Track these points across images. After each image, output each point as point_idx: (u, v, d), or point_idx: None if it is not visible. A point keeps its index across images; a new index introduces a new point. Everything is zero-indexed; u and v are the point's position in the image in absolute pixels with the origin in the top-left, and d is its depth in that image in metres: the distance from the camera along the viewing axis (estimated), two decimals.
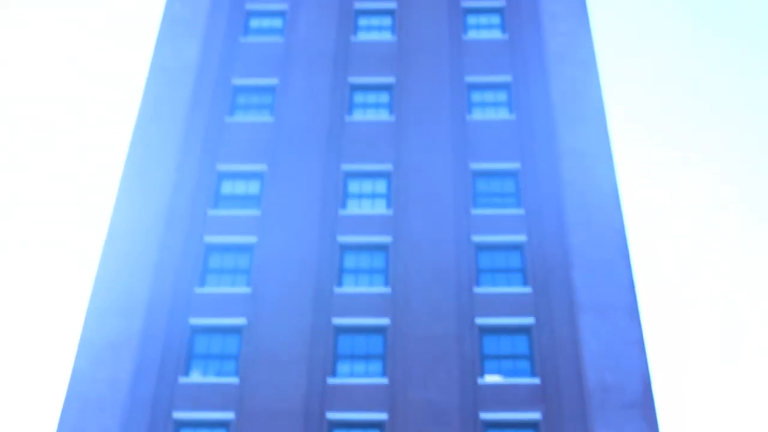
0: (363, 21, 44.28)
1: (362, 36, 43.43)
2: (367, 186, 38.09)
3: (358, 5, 44.59)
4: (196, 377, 32.43)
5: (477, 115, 40.03)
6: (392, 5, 44.55)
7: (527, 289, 34.19)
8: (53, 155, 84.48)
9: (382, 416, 31.38)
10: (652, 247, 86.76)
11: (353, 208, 37.21)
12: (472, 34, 43.26)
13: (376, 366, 32.92)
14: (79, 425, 30.83)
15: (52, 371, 79.91)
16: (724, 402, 79.75)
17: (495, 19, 44.01)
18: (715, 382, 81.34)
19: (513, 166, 38.16)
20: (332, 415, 31.40)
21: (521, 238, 35.77)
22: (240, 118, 40.19)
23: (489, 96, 40.94)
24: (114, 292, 34.03)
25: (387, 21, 44.19)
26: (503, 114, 40.15)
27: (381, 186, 38.06)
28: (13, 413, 77.37)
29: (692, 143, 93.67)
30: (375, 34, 43.66)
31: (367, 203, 37.51)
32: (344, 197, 37.69)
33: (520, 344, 33.23)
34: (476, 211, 36.57)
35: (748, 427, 78.11)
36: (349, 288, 34.57)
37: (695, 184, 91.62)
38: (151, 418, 31.38)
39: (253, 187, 38.21)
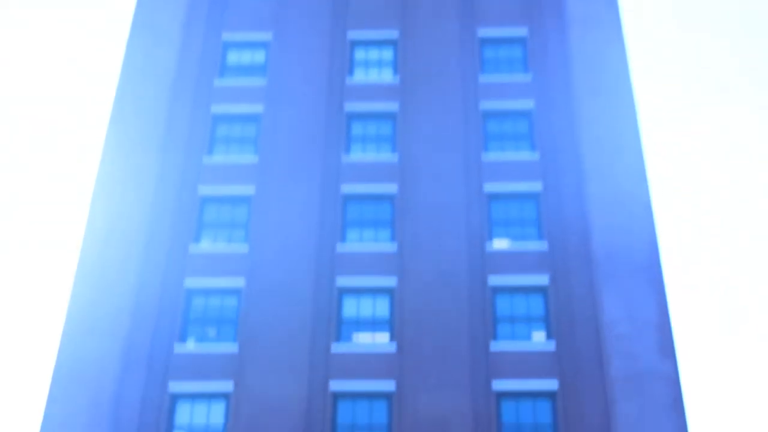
0: None
1: None
2: (373, 54, 37.70)
3: None
4: (206, 245, 32.66)
5: None
6: None
7: (535, 155, 34.11)
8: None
9: (391, 281, 31.68)
10: (661, 114, 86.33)
11: (360, 77, 36.89)
12: None
13: (384, 233, 33.10)
14: (92, 298, 31.13)
15: (62, 250, 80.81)
16: (734, 266, 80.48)
17: None
18: (724, 244, 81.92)
19: (520, 32, 37.67)
20: (342, 281, 31.71)
21: (529, 104, 35.55)
22: None
23: None
24: (122, 163, 34.04)
25: None
26: None
27: (387, 54, 37.67)
28: (27, 297, 78.57)
29: (706, 29, 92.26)
30: None
31: (374, 72, 37.18)
32: (351, 65, 37.36)
33: (528, 209, 33.32)
34: (484, 78, 36.25)
35: (752, 287, 79.02)
36: (356, 156, 34.53)
37: (708, 60, 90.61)
38: (162, 287, 31.71)
39: (258, 57, 37.86)
